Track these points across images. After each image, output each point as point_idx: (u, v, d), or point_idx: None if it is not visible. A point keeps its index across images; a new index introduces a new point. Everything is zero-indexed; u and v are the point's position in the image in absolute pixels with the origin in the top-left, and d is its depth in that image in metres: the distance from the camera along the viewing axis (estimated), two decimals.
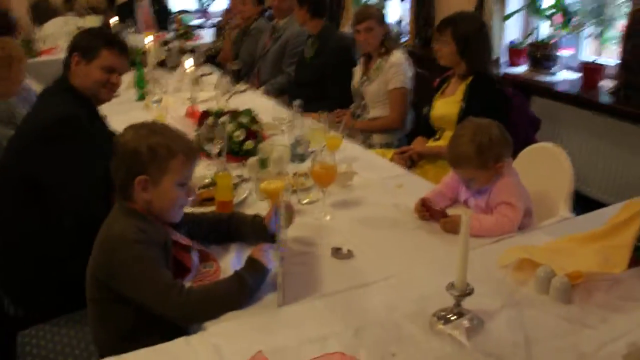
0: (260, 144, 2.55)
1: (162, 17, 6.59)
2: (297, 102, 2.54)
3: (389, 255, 1.85)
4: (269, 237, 1.79)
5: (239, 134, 2.51)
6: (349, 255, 1.82)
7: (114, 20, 5.34)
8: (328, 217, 2.08)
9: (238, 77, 3.96)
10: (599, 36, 3.99)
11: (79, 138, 2.09)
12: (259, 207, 2.10)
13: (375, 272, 1.73)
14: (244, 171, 2.40)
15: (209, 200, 2.12)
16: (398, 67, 3.35)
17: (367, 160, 2.63)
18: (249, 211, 2.02)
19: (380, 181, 2.40)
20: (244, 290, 1.57)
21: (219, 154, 2.23)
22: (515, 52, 4.46)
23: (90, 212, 2.08)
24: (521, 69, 4.41)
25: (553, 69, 4.18)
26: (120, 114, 2.90)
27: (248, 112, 2.73)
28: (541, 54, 4.14)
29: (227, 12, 5.95)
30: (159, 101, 3.22)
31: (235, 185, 2.24)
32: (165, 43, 4.98)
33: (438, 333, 1.44)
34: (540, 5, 4.21)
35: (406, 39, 5.54)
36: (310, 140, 2.57)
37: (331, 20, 4.28)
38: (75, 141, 2.07)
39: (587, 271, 1.61)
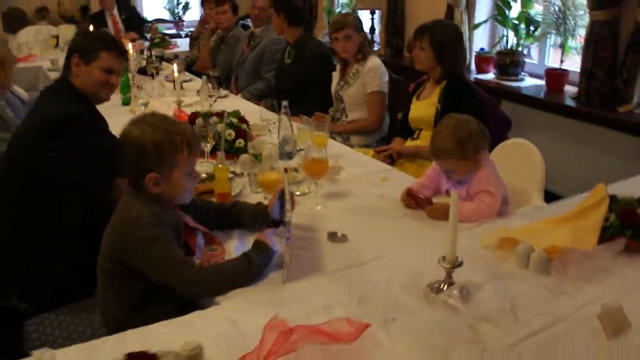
0: (250, 142, 2.67)
1: (136, 26, 6.67)
2: (284, 103, 2.67)
3: (380, 238, 2.00)
4: (271, 224, 1.92)
5: (231, 133, 2.63)
6: (344, 239, 1.96)
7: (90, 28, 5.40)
8: (319, 207, 2.22)
9: (219, 83, 4.08)
10: (562, 45, 4.24)
11: (83, 134, 2.20)
12: (253, 200, 2.21)
13: (370, 253, 1.87)
14: (236, 167, 2.52)
15: (207, 193, 2.23)
16: (375, 72, 3.52)
17: (351, 157, 2.79)
18: None
19: (365, 175, 2.55)
20: (251, 270, 1.69)
21: (212, 151, 2.35)
22: (483, 60, 4.69)
23: (94, 204, 2.19)
24: (489, 75, 4.64)
25: (520, 76, 4.43)
26: (108, 117, 2.99)
27: (236, 113, 2.86)
28: (509, 61, 4.37)
29: (201, 22, 6.08)
30: (146, 104, 3.32)
31: (230, 181, 2.35)
32: (142, 51, 5.08)
33: (432, 302, 1.58)
34: (508, 16, 4.45)
35: (377, 48, 5.73)
36: (297, 139, 2.71)
37: (304, 29, 4.44)
38: (79, 137, 2.18)
39: (562, 246, 1.77)
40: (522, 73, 4.48)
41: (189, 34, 6.80)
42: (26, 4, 6.99)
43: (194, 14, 8.42)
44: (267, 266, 1.75)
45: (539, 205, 2.39)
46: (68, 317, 2.13)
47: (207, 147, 2.59)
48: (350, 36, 3.51)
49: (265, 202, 2.07)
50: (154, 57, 4.59)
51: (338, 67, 3.76)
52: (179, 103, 3.43)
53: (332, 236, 1.97)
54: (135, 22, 6.76)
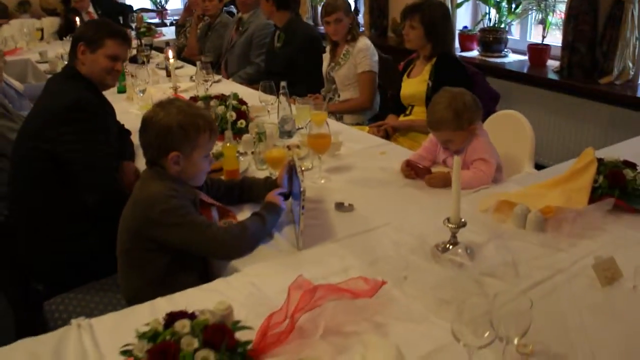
0: (251, 122, 2.77)
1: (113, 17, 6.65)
2: (283, 84, 2.77)
3: (385, 206, 2.11)
4: (283, 195, 2.02)
5: (232, 114, 2.72)
6: (351, 208, 2.07)
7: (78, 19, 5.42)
8: (323, 181, 2.33)
9: (214, 68, 4.15)
10: (543, 22, 4.37)
11: (94, 118, 2.28)
12: (259, 176, 2.31)
13: (376, 220, 1.99)
14: (239, 147, 2.61)
15: (215, 172, 2.32)
16: (365, 52, 3.62)
17: (349, 134, 2.90)
18: None
19: (364, 150, 2.67)
20: (265, 225, 1.84)
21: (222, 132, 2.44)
22: (467, 38, 4.81)
23: (107, 185, 2.27)
24: (473, 53, 4.76)
25: (503, 52, 4.55)
26: None
27: (235, 95, 2.94)
28: (492, 38, 4.49)
29: (186, 9, 6.11)
30: (143, 91, 3.38)
31: None
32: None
33: (440, 260, 1.70)
34: None
35: (362, 30, 5.81)
36: (295, 118, 2.81)
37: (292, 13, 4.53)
38: (91, 121, 2.26)
39: (556, 206, 1.90)
40: (505, 49, 4.61)
41: (174, 22, 6.82)
42: None
43: (176, 3, 8.44)
44: (277, 222, 1.90)
45: (530, 172, 2.52)
46: (87, 296, 2.22)
47: None
48: (340, 19, 3.61)
49: (272, 178, 2.17)
50: (143, 46, 4.64)
51: (328, 48, 3.85)
52: (176, 89, 3.51)
53: (339, 206, 2.08)
54: (112, 13, 6.72)
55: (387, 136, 3.15)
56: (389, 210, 2.07)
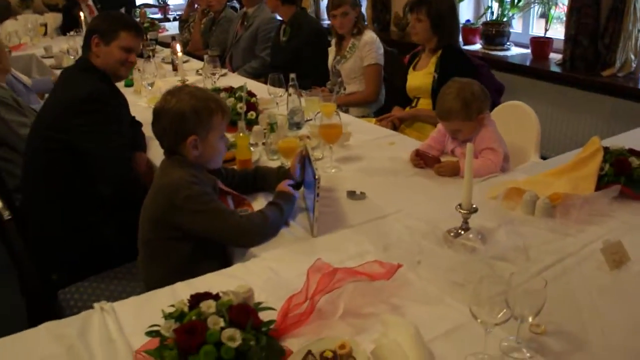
0: (261, 114, 2.81)
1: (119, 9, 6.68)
2: (292, 76, 2.81)
3: (395, 194, 2.16)
4: (294, 185, 2.06)
5: (242, 106, 2.75)
6: (363, 196, 2.12)
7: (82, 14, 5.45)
8: (333, 170, 2.37)
9: (221, 61, 4.19)
10: (545, 15, 4.40)
11: (108, 109, 2.32)
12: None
13: (388, 207, 2.03)
14: (250, 138, 2.65)
15: (228, 162, 2.36)
16: (371, 45, 3.66)
17: (357, 125, 2.94)
18: None
19: (373, 140, 2.71)
20: (283, 214, 1.88)
21: (232, 124, 2.47)
22: (470, 31, 4.84)
23: (123, 175, 2.31)
24: (476, 46, 4.80)
25: (506, 45, 4.59)
26: None
27: (244, 87, 2.97)
28: (495, 32, 4.52)
29: (190, 4, 6.14)
30: (152, 84, 3.42)
31: None
32: None
33: (452, 245, 1.74)
34: None
35: (364, 24, 5.84)
36: (304, 110, 2.85)
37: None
38: (106, 112, 2.30)
39: (564, 193, 1.94)
40: (508, 43, 4.65)
41: (177, 17, 6.84)
42: None
43: None
44: (292, 210, 1.95)
45: (536, 161, 2.56)
46: (102, 285, 2.26)
47: None
48: (347, 12, 3.65)
49: (284, 167, 2.21)
50: (149, 40, 4.67)
51: (334, 42, 3.89)
52: (184, 82, 3.54)
53: (351, 194, 2.12)
54: (113, 7, 6.74)
55: (394, 128, 3.19)
56: (399, 198, 2.11)
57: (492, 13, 4.73)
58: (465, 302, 1.43)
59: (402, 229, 1.87)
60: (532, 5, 4.57)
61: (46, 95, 3.35)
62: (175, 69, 4.18)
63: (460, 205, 1.74)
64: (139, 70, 3.70)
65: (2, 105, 3.02)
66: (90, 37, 2.44)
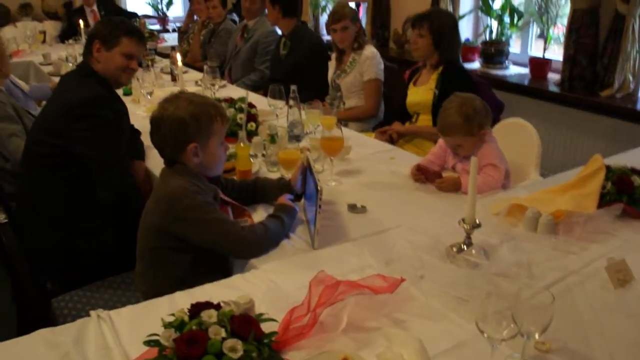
0: (261, 126, 2.79)
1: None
2: (293, 88, 2.80)
3: (397, 209, 2.14)
4: (294, 197, 2.04)
5: (242, 117, 2.74)
6: (364, 209, 2.10)
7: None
8: (333, 183, 2.35)
9: (221, 73, 4.19)
10: (543, 35, 4.43)
11: (108, 115, 2.30)
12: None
13: (389, 221, 2.01)
14: (250, 149, 2.63)
15: (228, 172, 2.34)
16: (372, 60, 3.66)
17: (357, 139, 2.93)
18: None
19: (373, 154, 2.70)
20: (284, 227, 1.86)
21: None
22: (468, 50, 4.86)
23: (121, 182, 2.29)
24: (475, 65, 4.81)
25: (504, 64, 4.60)
26: None
27: (244, 99, 2.96)
28: (494, 50, 4.54)
29: (189, 16, 6.16)
30: (151, 93, 3.41)
31: None
32: None
33: (455, 260, 1.72)
34: (492, 7, 4.62)
35: (365, 39, 5.86)
36: (304, 123, 2.84)
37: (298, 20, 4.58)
38: (105, 118, 2.28)
39: (566, 210, 1.93)
40: (507, 62, 4.66)
41: (175, 29, 6.86)
42: (9, 1, 6.97)
43: (177, 10, 8.49)
44: (292, 224, 1.92)
45: (537, 179, 2.56)
46: (96, 294, 2.22)
47: None
48: (347, 27, 3.65)
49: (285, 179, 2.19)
50: (148, 50, 4.65)
51: (334, 56, 3.89)
52: (182, 92, 3.52)
53: (352, 207, 2.10)
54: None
55: (391, 141, 3.18)
56: (400, 213, 2.09)
57: (491, 32, 4.75)
58: (468, 318, 1.42)
59: (404, 243, 1.85)
60: (530, 25, 4.59)
61: (43, 103, 3.34)
62: (174, 79, 4.17)
63: (463, 220, 1.73)
64: (137, 79, 3.69)
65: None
66: (92, 41, 2.42)
